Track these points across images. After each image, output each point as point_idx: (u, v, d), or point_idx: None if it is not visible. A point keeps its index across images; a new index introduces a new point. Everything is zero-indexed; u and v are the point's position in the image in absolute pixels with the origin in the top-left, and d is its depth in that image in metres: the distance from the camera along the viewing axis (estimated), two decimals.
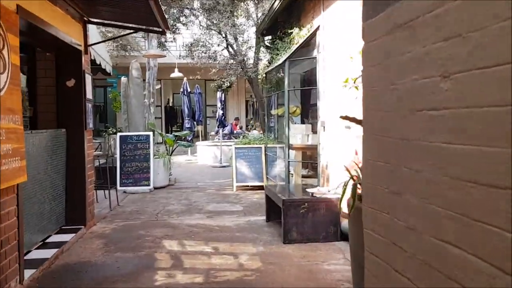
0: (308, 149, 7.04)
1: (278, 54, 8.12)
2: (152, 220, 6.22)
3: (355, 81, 3.49)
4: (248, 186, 8.92)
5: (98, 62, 6.52)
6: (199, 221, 6.13)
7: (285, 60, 6.64)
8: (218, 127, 13.92)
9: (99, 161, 9.46)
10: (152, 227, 5.77)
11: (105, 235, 5.40)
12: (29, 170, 4.29)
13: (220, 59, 9.80)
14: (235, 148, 9.16)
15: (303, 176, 7.14)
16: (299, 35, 7.04)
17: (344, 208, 3.41)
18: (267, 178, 8.56)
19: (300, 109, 7.95)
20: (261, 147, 9.12)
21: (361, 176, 2.85)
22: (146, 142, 9.11)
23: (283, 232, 4.90)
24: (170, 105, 24.38)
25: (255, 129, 12.69)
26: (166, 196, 8.29)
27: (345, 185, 3.11)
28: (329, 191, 5.08)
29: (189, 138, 15.21)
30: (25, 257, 4.20)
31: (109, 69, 7.33)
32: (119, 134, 9.10)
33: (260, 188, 8.80)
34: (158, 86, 19.69)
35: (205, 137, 18.41)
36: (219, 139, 14.45)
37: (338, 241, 4.92)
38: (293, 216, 4.88)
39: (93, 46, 6.19)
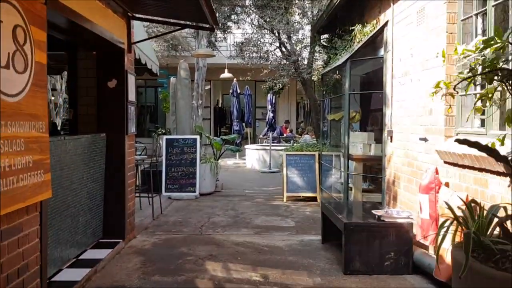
0: (370, 160, 6.27)
1: (336, 54, 7.39)
2: (195, 234, 5.69)
3: (449, 87, 2.74)
4: (299, 196, 8.25)
5: (143, 62, 6.09)
6: (247, 237, 5.54)
7: (346, 60, 5.91)
8: (267, 130, 13.33)
9: (143, 166, 9.16)
10: (196, 243, 5.23)
11: (144, 251, 4.92)
12: (63, 181, 3.86)
13: (272, 59, 9.19)
14: (286, 155, 8.51)
15: (364, 191, 6.37)
16: (362, 33, 6.29)
17: (447, 259, 2.67)
18: (320, 189, 7.85)
19: (360, 114, 7.17)
20: (314, 155, 8.42)
21: (468, 219, 2.13)
22: (193, 146, 8.66)
23: (344, 261, 4.19)
24: (220, 106, 24.14)
25: (307, 133, 11.97)
26: (212, 204, 7.77)
27: (444, 226, 2.37)
28: (398, 214, 4.31)
29: (238, 141, 14.76)
30: (54, 278, 3.77)
31: (155, 69, 6.92)
32: (165, 137, 8.71)
33: (313, 199, 8.11)
34: (208, 87, 19.42)
35: (254, 140, 17.88)
36: (268, 143, 13.87)
37: (410, 274, 4.15)
38: (356, 243, 4.16)
39: (138, 45, 5.77)
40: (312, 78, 9.37)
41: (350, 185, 6.35)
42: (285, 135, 16.08)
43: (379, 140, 6.38)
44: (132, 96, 5.25)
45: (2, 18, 2.45)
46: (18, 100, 2.62)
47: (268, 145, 13.16)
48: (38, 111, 2.84)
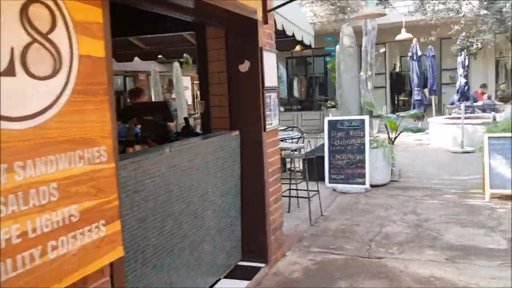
0: None
1: None
2: (362, 256, 4.31)
3: None
4: (509, 194, 6.05)
5: (289, 33, 4.85)
6: (433, 268, 3.92)
7: None
8: (459, 101, 10.80)
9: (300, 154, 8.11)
10: (361, 274, 3.87)
11: (291, 282, 3.79)
12: (172, 206, 2.94)
13: (467, 11, 6.89)
14: (489, 137, 6.32)
15: None
16: None
17: None
18: None
19: None
20: None
21: None
22: (360, 129, 7.12)
23: None
24: (397, 71, 21.52)
25: None
26: (385, 203, 6.23)
27: None
28: None
29: (422, 112, 12.49)
30: None
31: (309, 40, 5.60)
32: (327, 118, 7.38)
33: None
34: (383, 50, 17.22)
35: (440, 111, 15.16)
36: (458, 113, 11.30)
37: None
38: None
39: (281, 12, 4.52)
40: None
41: None
42: (481, 102, 13.07)
43: None
44: (271, 81, 4.07)
45: None
46: (42, 123, 1.64)
47: (459, 117, 10.66)
48: (89, 132, 1.85)
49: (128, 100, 5.93)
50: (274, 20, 4.32)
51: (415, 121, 13.06)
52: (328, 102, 16.28)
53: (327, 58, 16.96)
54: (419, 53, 12.43)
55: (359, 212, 5.83)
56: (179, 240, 3.05)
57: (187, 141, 3.41)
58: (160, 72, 15.12)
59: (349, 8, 14.20)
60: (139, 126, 4.59)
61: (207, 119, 4.23)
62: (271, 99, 4.12)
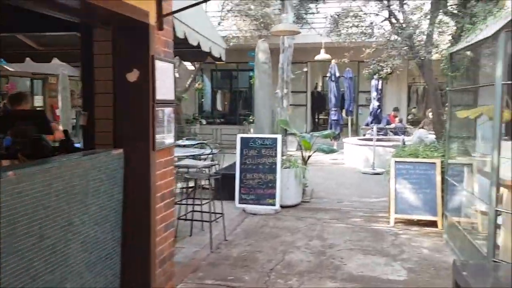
0: None
1: (474, 23, 5.05)
2: None
3: None
4: (413, 220, 6.09)
5: (194, 43, 4.46)
6: None
7: (499, 31, 3.66)
8: (372, 123, 11.08)
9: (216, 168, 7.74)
10: None
11: None
12: (27, 234, 2.39)
13: (378, 35, 6.98)
14: (395, 162, 6.37)
15: None
16: None
17: None
18: (444, 214, 5.61)
19: (511, 112, 4.77)
20: (434, 163, 6.16)
21: None
22: (273, 148, 6.92)
23: None
24: (319, 90, 22.04)
25: (422, 127, 9.54)
26: (293, 226, 6.00)
27: None
28: None
29: (337, 133, 12.69)
30: None
31: (218, 52, 5.26)
32: (239, 135, 7.10)
33: (431, 224, 5.92)
34: (305, 69, 17.48)
35: (356, 132, 15.58)
36: (372, 134, 11.61)
37: None
38: None
39: (184, 20, 4.13)
40: (433, 58, 7.02)
41: (501, 226, 4.10)
42: (393, 125, 13.59)
43: None
44: (166, 93, 3.64)
45: None
46: None
47: (371, 139, 10.92)
48: None
49: (8, 107, 5.19)
50: (174, 27, 3.91)
51: (331, 140, 13.28)
52: (250, 117, 16.12)
53: (251, 73, 16.87)
54: (338, 74, 12.68)
55: (265, 236, 5.53)
56: (29, 281, 2.48)
57: (43, 161, 2.85)
58: (72, 76, 14.01)
59: (272, 25, 14.20)
60: (11, 137, 3.93)
61: (90, 133, 3.69)
62: (165, 114, 3.68)
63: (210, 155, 8.79)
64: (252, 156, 7.00)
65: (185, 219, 5.41)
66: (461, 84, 5.46)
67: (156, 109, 3.50)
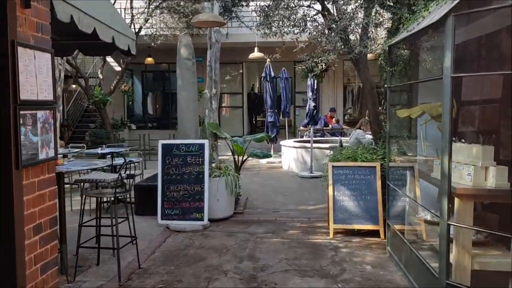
0: (487, 197, 3.50)
1: (414, 12, 4.58)
2: None
3: None
4: (353, 230, 5.57)
5: (88, 30, 3.59)
6: None
7: (445, 16, 3.13)
8: (308, 124, 10.59)
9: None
10: None
11: None
12: None
13: (312, 28, 6.43)
14: (333, 167, 5.82)
15: (474, 244, 3.59)
16: None
17: None
18: (386, 223, 5.10)
19: (456, 109, 4.34)
20: (374, 167, 5.68)
21: None
22: (200, 155, 6.14)
23: None
24: (256, 91, 21.53)
25: (360, 127, 9.16)
26: (222, 245, 5.25)
27: None
28: None
29: (273, 135, 12.12)
30: None
31: (125, 44, 4.39)
32: (160, 142, 6.24)
33: (373, 233, 5.43)
34: (240, 71, 16.84)
35: (294, 134, 15.17)
36: (308, 136, 11.15)
37: None
38: None
39: (74, 2, 3.24)
40: (369, 53, 6.58)
41: (452, 238, 3.58)
42: (330, 126, 13.28)
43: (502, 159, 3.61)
44: (37, 92, 2.76)
45: None
46: None
47: (309, 140, 10.43)
48: None
49: None
50: (53, 7, 3.02)
51: (268, 143, 12.71)
52: None
53: None
54: (273, 74, 12.11)
55: (188, 260, 4.73)
56: None
57: None
58: None
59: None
60: None
61: None
62: (38, 119, 2.80)
63: (135, 163, 7.86)
64: (176, 165, 6.18)
65: (87, 247, 4.49)
66: (401, 81, 4.99)
67: (21, 112, 2.62)
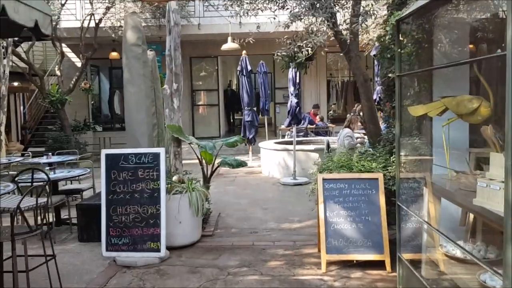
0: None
1: None
2: None
3: None
4: (352, 261, 4.34)
5: None
6: None
7: None
8: (291, 122, 9.33)
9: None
10: None
11: None
12: None
13: (293, 7, 5.15)
14: (323, 180, 4.57)
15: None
16: None
17: None
18: (397, 255, 3.86)
19: (492, 105, 3.12)
20: (377, 180, 4.46)
21: None
22: (154, 168, 4.82)
23: None
24: (233, 88, 20.17)
25: (348, 126, 7.98)
26: (182, 287, 3.96)
27: None
28: None
29: (251, 136, 10.82)
30: None
31: (30, 19, 3.05)
32: (103, 152, 4.90)
33: (377, 265, 4.21)
34: (216, 68, 15.49)
35: (275, 132, 13.92)
36: (291, 136, 9.92)
37: None
38: None
39: None
40: (361, 35, 5.35)
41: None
42: (317, 123, 12.08)
43: None
44: None
45: None
46: None
47: (291, 141, 9.18)
48: None
49: None
50: None
51: (246, 145, 11.38)
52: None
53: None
54: (250, 68, 10.82)
55: None
56: None
57: None
58: None
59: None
60: None
61: None
62: None
63: (83, 175, 6.48)
64: (124, 181, 4.85)
65: None
66: (410, 68, 3.77)
67: None
